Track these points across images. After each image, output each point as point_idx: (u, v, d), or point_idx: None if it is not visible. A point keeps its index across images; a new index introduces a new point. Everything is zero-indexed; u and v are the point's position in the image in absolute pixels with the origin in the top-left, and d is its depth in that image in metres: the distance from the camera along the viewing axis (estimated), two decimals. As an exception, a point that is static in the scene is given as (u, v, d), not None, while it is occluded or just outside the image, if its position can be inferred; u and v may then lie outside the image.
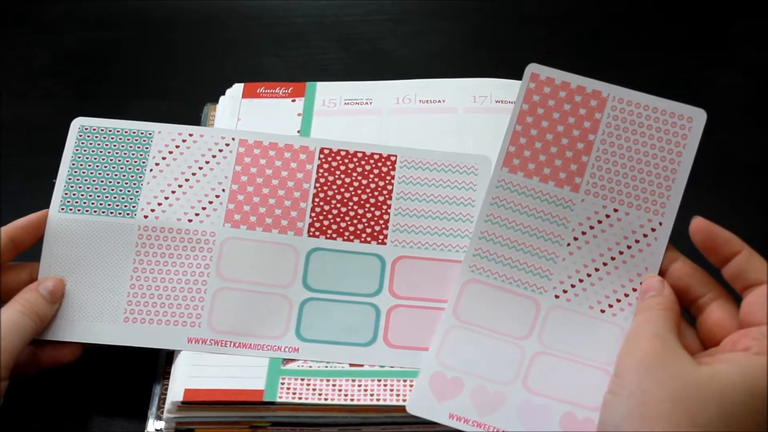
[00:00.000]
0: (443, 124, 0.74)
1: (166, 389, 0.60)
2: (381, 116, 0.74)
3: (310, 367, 0.60)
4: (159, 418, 0.60)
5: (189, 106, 0.79)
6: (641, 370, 0.53)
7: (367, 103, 0.75)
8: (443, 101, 0.75)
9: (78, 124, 0.68)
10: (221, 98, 0.77)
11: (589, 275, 0.61)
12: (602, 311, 0.60)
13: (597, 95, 0.62)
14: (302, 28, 0.90)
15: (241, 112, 0.75)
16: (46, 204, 0.69)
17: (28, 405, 0.64)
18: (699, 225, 0.59)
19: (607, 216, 0.61)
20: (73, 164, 0.67)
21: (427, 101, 0.75)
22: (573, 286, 0.61)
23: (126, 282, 0.63)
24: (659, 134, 0.61)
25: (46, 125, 0.82)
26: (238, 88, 0.77)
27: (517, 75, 0.77)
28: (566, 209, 0.61)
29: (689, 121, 0.61)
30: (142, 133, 0.68)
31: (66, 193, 0.66)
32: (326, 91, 0.76)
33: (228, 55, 0.88)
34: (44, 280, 0.62)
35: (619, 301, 0.60)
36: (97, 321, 0.62)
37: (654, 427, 0.50)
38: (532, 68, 0.64)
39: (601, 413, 0.54)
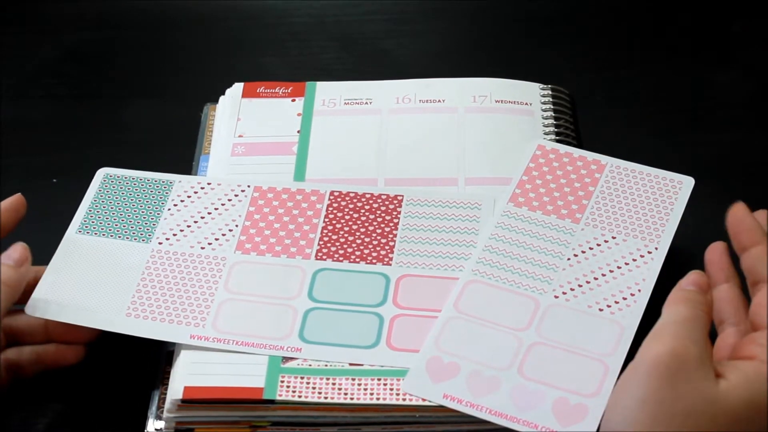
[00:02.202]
0: (443, 123, 0.74)
1: (166, 389, 0.60)
2: (381, 116, 0.75)
3: (310, 365, 0.60)
4: (159, 417, 0.60)
5: (189, 106, 0.79)
6: (665, 375, 0.50)
7: (367, 102, 0.75)
8: (443, 101, 0.75)
9: (103, 173, 0.70)
10: (221, 98, 0.77)
11: (588, 282, 0.62)
12: (600, 310, 0.61)
13: (597, 163, 0.69)
14: (302, 28, 0.90)
15: (241, 112, 0.75)
16: (46, 204, 0.69)
17: (27, 405, 0.63)
18: (736, 209, 0.58)
19: (606, 241, 0.64)
20: (94, 201, 0.68)
21: (427, 101, 0.75)
22: (572, 289, 0.62)
23: (132, 287, 0.63)
24: (653, 189, 0.67)
25: (46, 125, 0.82)
26: (238, 87, 0.77)
27: (517, 75, 0.77)
28: (567, 234, 0.65)
29: (679, 184, 0.67)
30: (163, 182, 0.69)
31: (85, 219, 0.67)
32: (326, 90, 0.76)
33: (228, 55, 0.88)
34: (6, 251, 0.62)
35: (617, 302, 0.61)
36: (99, 312, 0.62)
37: None
38: (539, 143, 0.70)
39: (608, 406, 0.53)
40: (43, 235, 0.66)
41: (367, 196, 0.69)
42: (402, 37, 0.89)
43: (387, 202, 0.68)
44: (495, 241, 0.65)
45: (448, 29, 0.90)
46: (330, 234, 0.66)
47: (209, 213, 0.68)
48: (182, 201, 0.69)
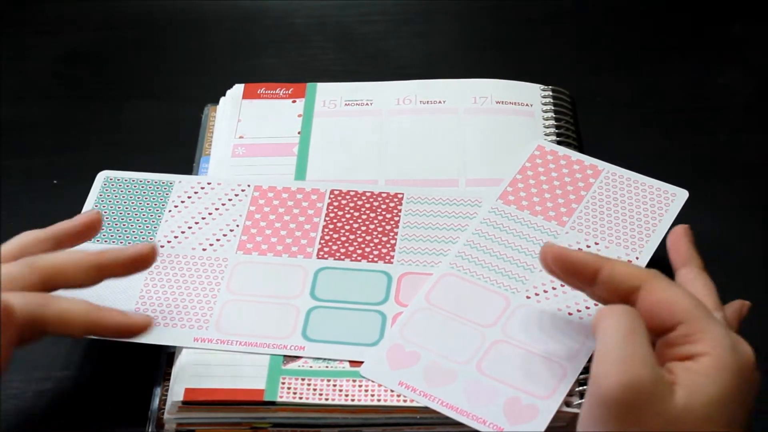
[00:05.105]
0: (443, 124, 0.74)
1: (167, 390, 0.60)
2: (381, 117, 0.75)
3: (311, 367, 0.60)
4: (159, 419, 0.60)
5: (189, 107, 0.79)
6: (623, 411, 0.47)
7: (367, 103, 0.75)
8: (443, 102, 0.75)
9: (103, 176, 0.70)
10: (221, 99, 0.77)
11: (562, 285, 0.61)
12: (570, 313, 0.61)
13: (593, 167, 0.68)
14: (302, 29, 0.90)
15: (242, 113, 0.75)
16: (47, 204, 0.69)
17: (27, 405, 0.64)
18: (553, 253, 0.55)
19: (588, 246, 0.64)
20: (96, 206, 0.69)
21: (427, 102, 0.75)
22: (545, 291, 0.62)
23: (136, 293, 0.64)
24: (645, 199, 0.66)
25: (46, 125, 0.82)
26: (238, 88, 0.77)
27: (518, 75, 0.77)
28: (550, 237, 0.65)
29: (673, 196, 0.66)
30: (163, 183, 0.70)
31: None
32: (326, 91, 0.76)
33: (228, 55, 0.88)
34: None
35: (588, 307, 0.61)
36: None
37: None
38: (539, 143, 0.70)
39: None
40: (43, 236, 0.66)
41: (368, 194, 0.69)
42: (402, 38, 0.89)
43: (387, 200, 0.68)
44: (477, 237, 0.65)
45: (448, 30, 0.90)
46: (331, 233, 0.66)
47: (210, 213, 0.68)
48: (183, 202, 0.69)
